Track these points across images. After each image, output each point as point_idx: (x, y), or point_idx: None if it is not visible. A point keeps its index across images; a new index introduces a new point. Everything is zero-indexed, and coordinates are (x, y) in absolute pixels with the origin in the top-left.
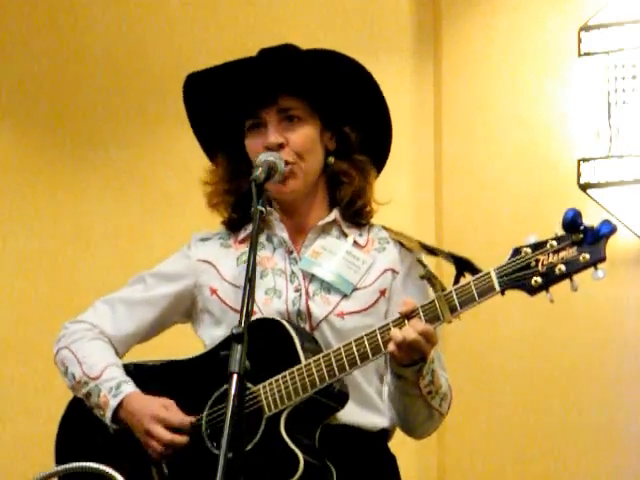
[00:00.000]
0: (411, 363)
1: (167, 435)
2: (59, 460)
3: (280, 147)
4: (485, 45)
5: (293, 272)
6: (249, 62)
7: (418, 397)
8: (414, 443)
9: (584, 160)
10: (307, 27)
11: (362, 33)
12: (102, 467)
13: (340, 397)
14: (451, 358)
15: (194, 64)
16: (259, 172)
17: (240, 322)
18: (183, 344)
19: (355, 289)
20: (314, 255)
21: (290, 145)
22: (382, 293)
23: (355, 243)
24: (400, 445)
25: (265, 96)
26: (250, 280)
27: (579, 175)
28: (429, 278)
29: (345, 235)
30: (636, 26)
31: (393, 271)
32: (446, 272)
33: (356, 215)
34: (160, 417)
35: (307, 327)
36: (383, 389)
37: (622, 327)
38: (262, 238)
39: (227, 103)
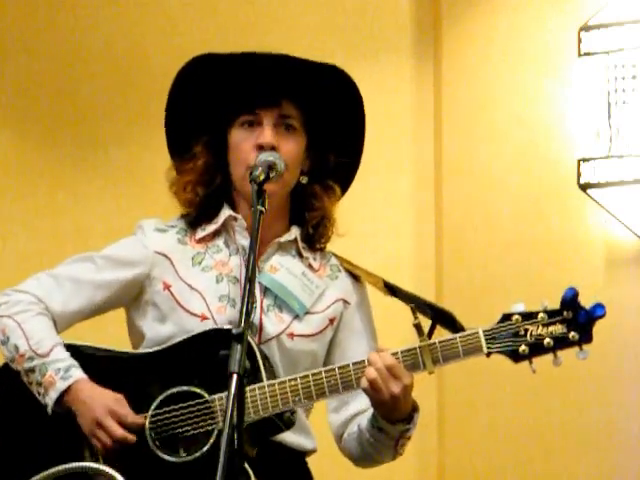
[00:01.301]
0: (397, 420)
1: (119, 431)
2: None
3: (272, 149)
4: (485, 45)
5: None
6: (261, 58)
7: (391, 447)
8: (414, 443)
9: (584, 160)
10: (307, 27)
11: (362, 33)
12: (102, 467)
13: (290, 421)
14: None
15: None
16: (259, 172)
17: (240, 322)
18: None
19: (307, 312)
20: (272, 270)
21: (281, 152)
22: (331, 321)
23: (310, 266)
24: None
25: (270, 97)
26: (250, 280)
27: (579, 175)
28: (418, 326)
29: (301, 256)
30: (636, 26)
31: (345, 301)
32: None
33: (316, 239)
34: (114, 411)
35: (256, 340)
36: (331, 417)
37: (622, 327)
38: (220, 241)
39: (226, 93)
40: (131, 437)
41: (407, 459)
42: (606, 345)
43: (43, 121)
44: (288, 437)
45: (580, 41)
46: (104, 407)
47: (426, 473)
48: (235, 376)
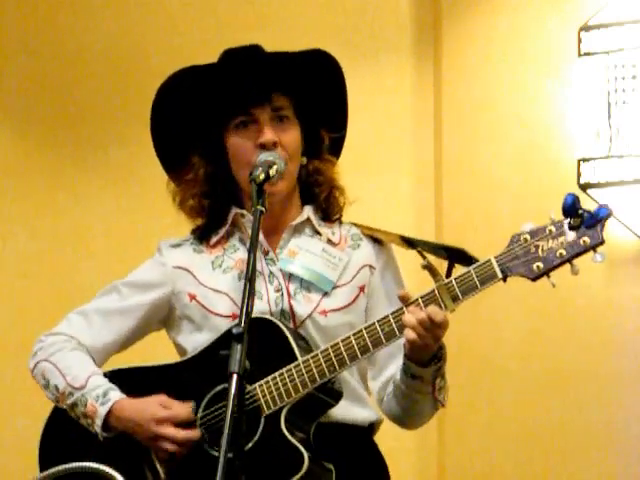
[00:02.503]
0: (427, 362)
1: (179, 433)
2: (43, 467)
3: (274, 146)
4: (485, 45)
5: (271, 273)
6: (238, 61)
7: (429, 394)
8: (414, 443)
9: (584, 160)
10: (307, 27)
11: (362, 33)
12: (102, 467)
13: (336, 393)
14: (451, 358)
15: (194, 64)
16: (259, 172)
17: (240, 322)
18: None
19: (335, 286)
20: (291, 254)
21: (282, 145)
22: (361, 289)
23: (329, 241)
24: (400, 445)
25: (260, 94)
26: (250, 280)
27: (579, 175)
28: (430, 268)
29: (318, 233)
30: (636, 26)
31: (370, 267)
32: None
33: (330, 211)
34: (165, 417)
35: (291, 326)
36: (371, 384)
37: (622, 327)
38: (235, 240)
39: (213, 100)
40: (193, 433)
41: (407, 459)
42: (606, 345)
43: (43, 121)
44: (348, 413)
45: (580, 41)
46: (153, 419)
47: (426, 473)
48: (235, 376)
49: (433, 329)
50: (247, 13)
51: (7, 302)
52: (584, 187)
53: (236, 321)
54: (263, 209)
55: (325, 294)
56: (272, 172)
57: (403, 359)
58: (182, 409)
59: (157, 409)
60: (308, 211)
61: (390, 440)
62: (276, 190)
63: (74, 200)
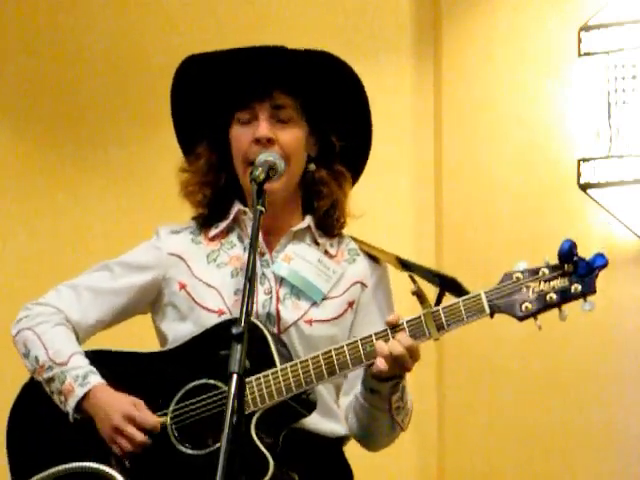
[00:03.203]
0: (388, 378)
1: (139, 436)
2: (10, 447)
3: (269, 142)
4: (485, 45)
5: (264, 274)
6: (250, 52)
7: (386, 412)
8: (414, 443)
9: (584, 160)
10: (307, 27)
11: (362, 33)
12: (102, 467)
13: (309, 404)
14: (451, 358)
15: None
16: (259, 172)
17: (240, 322)
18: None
19: (325, 298)
20: (286, 259)
21: (279, 144)
22: (350, 305)
23: (326, 252)
24: (400, 445)
25: (261, 89)
26: (250, 280)
27: (579, 175)
28: (419, 294)
29: (317, 243)
30: (636, 26)
31: (362, 284)
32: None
33: (330, 226)
34: (132, 416)
35: (275, 330)
36: (342, 399)
37: (622, 327)
38: (233, 237)
39: (221, 91)
40: (149, 441)
41: (407, 459)
42: (606, 345)
43: (43, 121)
44: (317, 424)
45: (580, 41)
46: (121, 412)
47: (426, 473)
48: (235, 376)
49: (405, 363)
50: (247, 13)
51: (7, 302)
52: (584, 187)
53: (222, 317)
54: (263, 209)
55: (314, 304)
56: (272, 173)
57: (364, 371)
58: (149, 416)
59: (128, 406)
60: (309, 220)
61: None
62: (270, 188)
63: (74, 200)
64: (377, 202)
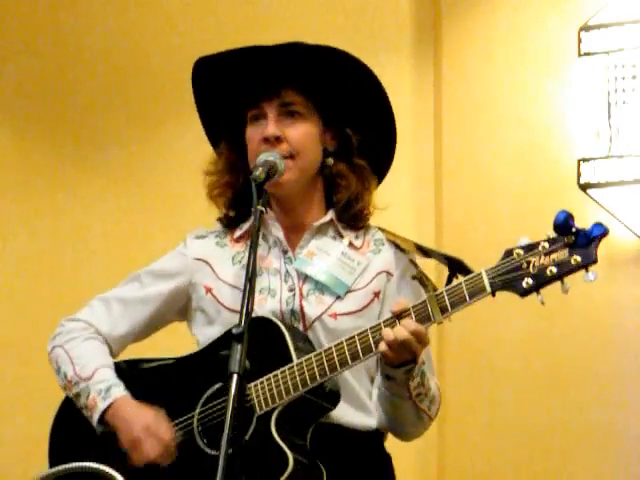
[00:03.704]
0: (401, 364)
1: (158, 449)
2: (52, 457)
3: (277, 140)
4: (485, 45)
5: (287, 272)
6: (257, 52)
7: (407, 399)
8: (414, 443)
9: (584, 160)
10: (307, 27)
11: (362, 33)
12: (102, 467)
13: (332, 397)
14: (451, 358)
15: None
16: (259, 172)
17: (240, 322)
18: (178, 343)
19: (349, 290)
20: (309, 255)
21: (288, 140)
22: (376, 295)
23: (351, 244)
24: (400, 445)
25: (268, 88)
26: (250, 280)
27: (579, 175)
28: (420, 278)
29: (341, 236)
30: (636, 26)
31: (388, 273)
32: (443, 273)
33: (352, 218)
34: (153, 430)
35: (300, 327)
36: (373, 391)
37: (622, 327)
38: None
39: (232, 91)
40: (162, 460)
41: (407, 459)
42: (606, 345)
43: (43, 121)
44: (347, 418)
45: (580, 41)
46: (142, 425)
47: (426, 473)
48: (235, 376)
49: (413, 348)
50: (247, 13)
51: (7, 302)
52: (584, 187)
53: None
54: (263, 209)
55: (338, 297)
56: (272, 173)
57: (379, 360)
58: (170, 432)
59: (153, 419)
60: (332, 213)
61: (390, 440)
62: (282, 181)
63: (74, 200)
64: (377, 202)
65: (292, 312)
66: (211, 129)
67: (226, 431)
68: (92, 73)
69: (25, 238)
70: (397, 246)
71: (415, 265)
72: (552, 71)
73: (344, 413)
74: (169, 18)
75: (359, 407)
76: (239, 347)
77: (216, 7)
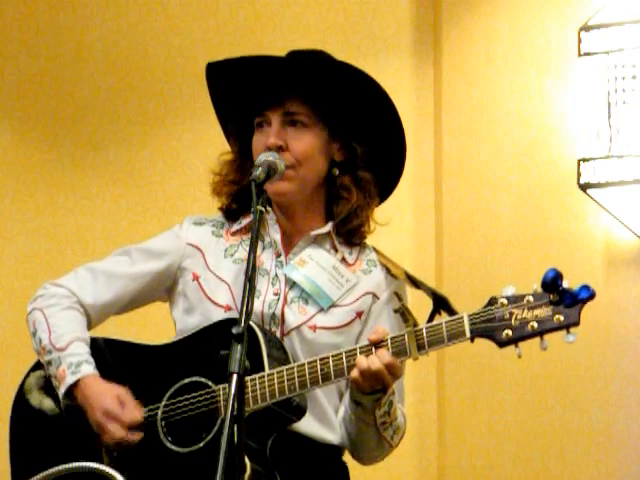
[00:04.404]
0: (371, 392)
1: (120, 432)
2: (13, 442)
3: (279, 150)
4: (485, 45)
5: (277, 275)
6: (266, 61)
7: (371, 425)
8: (414, 443)
9: (584, 160)
10: (307, 27)
11: (362, 33)
12: (102, 467)
13: (297, 410)
14: (451, 358)
15: (194, 64)
16: (259, 172)
17: (240, 322)
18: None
19: (333, 305)
20: (300, 263)
21: (290, 150)
22: (359, 315)
23: (343, 260)
24: (400, 445)
25: (273, 97)
26: (250, 280)
27: (579, 175)
28: (402, 312)
29: (335, 250)
30: (636, 26)
31: (374, 295)
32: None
33: (349, 233)
34: (113, 414)
35: (278, 333)
36: (340, 408)
37: (622, 327)
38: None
39: (240, 98)
40: (132, 437)
41: (407, 459)
42: (606, 345)
43: (43, 121)
44: (310, 429)
45: (580, 41)
46: (103, 410)
47: (426, 473)
48: (235, 376)
49: (384, 379)
50: (247, 13)
51: (7, 302)
52: (584, 187)
53: (229, 313)
54: (263, 209)
55: (321, 310)
56: (272, 173)
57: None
58: (131, 412)
59: (111, 402)
60: (330, 225)
61: None
62: (275, 189)
63: (74, 200)
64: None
65: (273, 316)
66: (227, 129)
67: (226, 431)
68: (92, 73)
69: (25, 238)
70: (388, 270)
71: (399, 298)
72: (552, 71)
73: (308, 425)
74: (169, 18)
75: (324, 422)
76: (239, 347)
77: (216, 7)
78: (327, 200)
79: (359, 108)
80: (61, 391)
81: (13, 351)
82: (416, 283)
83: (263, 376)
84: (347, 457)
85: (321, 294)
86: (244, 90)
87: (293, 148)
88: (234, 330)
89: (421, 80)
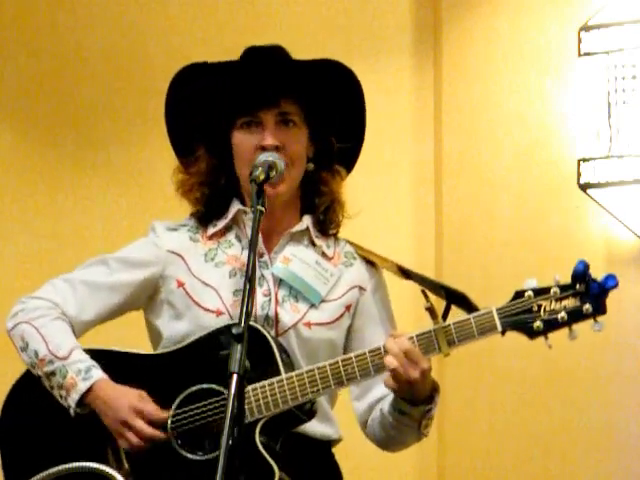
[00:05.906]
0: (418, 401)
1: (148, 430)
2: (2, 447)
3: (276, 150)
4: (485, 45)
5: (263, 276)
6: (252, 63)
7: (415, 428)
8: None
9: (584, 160)
10: (307, 27)
11: (362, 33)
12: (102, 467)
13: (311, 412)
14: (451, 358)
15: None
16: (259, 172)
17: (240, 322)
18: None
19: (323, 300)
20: (285, 261)
21: (285, 149)
22: (347, 308)
23: (323, 254)
24: None
25: (268, 98)
26: (250, 280)
27: (579, 175)
28: (431, 310)
29: (313, 244)
30: (636, 26)
31: (360, 288)
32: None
33: (328, 224)
34: (140, 409)
35: (273, 333)
36: (354, 405)
37: (622, 327)
38: (231, 236)
39: (222, 98)
40: (160, 434)
41: (407, 459)
42: (606, 345)
43: (43, 121)
44: (312, 427)
45: (580, 41)
46: (129, 406)
47: (426, 473)
48: (235, 376)
49: (406, 367)
50: (247, 13)
51: (7, 302)
52: (584, 187)
53: (221, 317)
54: (263, 209)
55: (312, 306)
56: (272, 173)
57: (394, 395)
58: (156, 409)
59: (135, 400)
60: (307, 220)
61: None
62: (277, 192)
63: (74, 200)
64: (377, 202)
65: (266, 317)
66: (180, 134)
67: (226, 431)
68: (92, 73)
69: (25, 238)
70: (368, 261)
71: (426, 296)
72: (552, 71)
73: (310, 423)
74: (169, 18)
75: (323, 417)
76: (239, 347)
77: (216, 7)
78: (302, 195)
79: (336, 99)
80: (73, 398)
81: (13, 351)
82: (408, 274)
83: (282, 379)
84: (339, 450)
85: (310, 290)
86: (228, 92)
87: (288, 148)
88: (234, 330)
89: (421, 80)
